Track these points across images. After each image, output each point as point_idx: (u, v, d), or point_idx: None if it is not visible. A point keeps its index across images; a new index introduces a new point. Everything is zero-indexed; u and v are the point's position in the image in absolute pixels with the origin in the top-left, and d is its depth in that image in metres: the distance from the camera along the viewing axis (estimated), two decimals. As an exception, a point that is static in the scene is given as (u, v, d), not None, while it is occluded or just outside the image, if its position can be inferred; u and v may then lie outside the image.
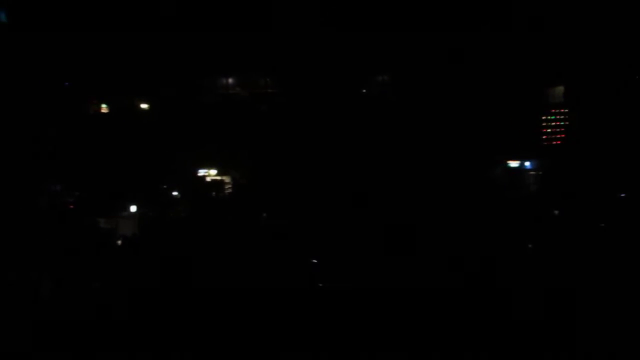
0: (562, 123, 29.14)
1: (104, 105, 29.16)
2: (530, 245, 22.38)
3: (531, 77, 28.05)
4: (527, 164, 28.74)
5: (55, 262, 20.26)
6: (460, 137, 27.44)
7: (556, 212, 25.42)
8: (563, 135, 29.01)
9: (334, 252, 21.08)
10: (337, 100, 28.45)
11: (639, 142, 26.18)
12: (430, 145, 27.14)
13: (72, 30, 25.98)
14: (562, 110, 29.03)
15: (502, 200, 25.95)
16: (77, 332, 15.94)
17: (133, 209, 26.53)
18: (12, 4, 25.10)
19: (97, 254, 22.19)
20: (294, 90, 29.02)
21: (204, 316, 16.74)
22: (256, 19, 27.47)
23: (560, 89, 29.05)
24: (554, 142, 29.08)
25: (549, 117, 29.11)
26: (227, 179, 29.30)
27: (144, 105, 29.46)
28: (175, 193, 28.30)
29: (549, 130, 29.14)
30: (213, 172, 29.39)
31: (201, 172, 29.27)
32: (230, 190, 29.20)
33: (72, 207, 25.88)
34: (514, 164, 28.68)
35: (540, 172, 28.57)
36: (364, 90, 29.71)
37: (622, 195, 25.37)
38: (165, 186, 28.12)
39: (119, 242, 24.72)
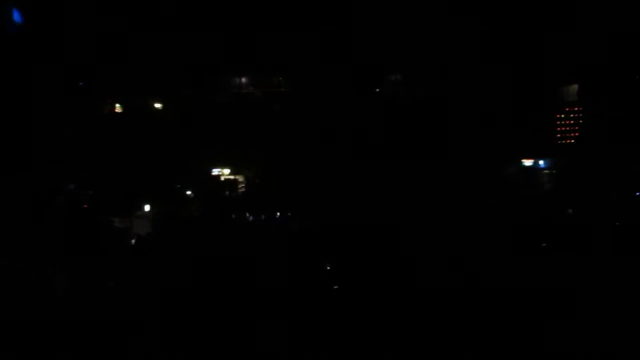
0: (576, 121, 29.02)
1: (117, 105, 29.23)
2: (544, 244, 22.32)
3: (545, 75, 27.93)
4: (541, 162, 28.68)
5: (70, 260, 20.34)
6: (473, 136, 27.37)
7: (570, 210, 25.36)
8: (577, 134, 28.89)
9: (349, 254, 21.04)
10: (351, 99, 28.43)
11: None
12: (444, 144, 27.08)
13: (86, 30, 26.08)
14: (576, 109, 28.91)
15: (516, 199, 25.93)
16: (91, 331, 16.00)
17: (147, 208, 26.63)
18: (26, 4, 25.19)
19: (111, 253, 22.27)
20: (307, 89, 29.02)
21: (216, 316, 16.75)
22: (269, 17, 27.52)
23: (575, 87, 28.94)
24: (568, 141, 28.97)
25: (563, 116, 29.00)
26: (240, 178, 29.38)
27: (157, 105, 29.53)
28: (188, 192, 28.40)
29: (563, 128, 29.03)
30: (226, 171, 29.48)
31: (215, 172, 29.36)
32: (243, 190, 29.28)
33: (86, 206, 25.98)
34: (528, 162, 28.62)
35: (554, 171, 28.50)
36: (377, 90, 29.68)
37: (638, 194, 25.27)
38: (178, 185, 28.22)
39: (133, 241, 24.80)
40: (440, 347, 14.96)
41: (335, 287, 19.39)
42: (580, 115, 28.79)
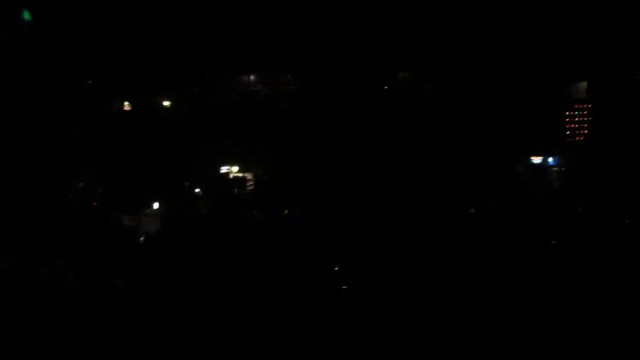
0: (586, 119, 28.90)
1: (126, 103, 29.27)
2: (553, 242, 22.28)
3: (554, 72, 27.84)
4: (550, 160, 28.59)
5: (79, 258, 20.40)
6: (482, 133, 27.31)
7: (579, 208, 25.30)
8: (586, 131, 28.79)
9: (359, 252, 20.99)
10: (359, 96, 28.38)
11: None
12: (452, 141, 27.02)
13: (95, 29, 26.12)
14: (586, 106, 28.81)
15: (525, 196, 25.89)
16: (98, 328, 16.05)
17: (156, 206, 26.68)
18: (35, 3, 25.25)
19: (120, 251, 22.34)
20: (315, 86, 28.99)
21: (223, 315, 16.74)
22: (277, 15, 27.51)
23: (584, 85, 28.84)
24: (577, 138, 28.87)
25: (572, 113, 28.90)
26: (249, 175, 29.38)
27: (166, 103, 29.55)
28: (197, 190, 28.43)
29: (572, 126, 28.92)
30: (235, 169, 29.48)
31: (223, 169, 29.36)
32: (252, 187, 29.27)
33: (95, 204, 26.04)
34: (536, 160, 28.54)
35: (564, 168, 28.41)
36: (386, 87, 29.63)
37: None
38: (187, 183, 28.25)
39: (142, 239, 24.85)
40: (452, 348, 14.96)
41: (343, 287, 19.37)
42: (590, 112, 28.66)
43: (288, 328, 15.99)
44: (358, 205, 24.88)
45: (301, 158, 27.82)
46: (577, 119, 28.86)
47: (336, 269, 20.63)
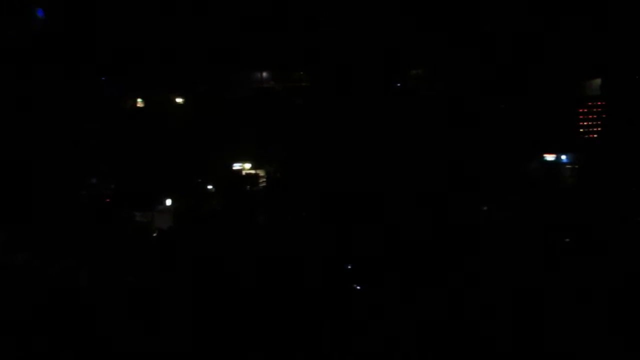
0: (599, 116, 28.76)
1: (139, 100, 29.38)
2: (567, 240, 22.23)
3: (568, 69, 27.71)
4: (563, 157, 28.49)
5: (92, 254, 20.52)
6: (495, 131, 27.24)
7: (592, 205, 25.18)
8: (600, 129, 28.65)
9: (371, 252, 20.96)
10: (372, 94, 28.35)
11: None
12: (466, 139, 26.95)
13: (108, 26, 26.23)
14: (599, 103, 28.66)
15: (538, 193, 25.80)
16: (109, 324, 16.15)
17: (169, 202, 26.78)
18: (49, 1, 25.40)
19: (132, 247, 22.43)
20: (328, 83, 28.98)
21: (234, 313, 16.78)
22: (291, 13, 27.54)
23: (597, 82, 28.70)
24: (591, 136, 28.74)
25: (585, 110, 28.76)
26: (261, 172, 29.43)
27: (179, 100, 29.66)
28: (210, 187, 28.51)
29: (585, 123, 28.79)
30: (247, 165, 29.54)
31: (236, 166, 29.44)
32: (264, 184, 29.30)
33: (108, 200, 26.17)
34: (550, 157, 28.44)
35: (577, 166, 28.30)
36: (399, 85, 29.58)
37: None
38: (200, 180, 28.34)
39: (155, 235, 24.97)
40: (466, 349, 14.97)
41: (357, 287, 19.35)
42: (603, 109, 28.52)
43: (300, 327, 16.05)
44: (371, 202, 24.85)
45: (314, 155, 27.81)
46: (590, 116, 28.71)
47: (349, 267, 20.63)
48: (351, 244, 21.55)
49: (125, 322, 16.51)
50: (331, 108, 28.59)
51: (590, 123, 28.71)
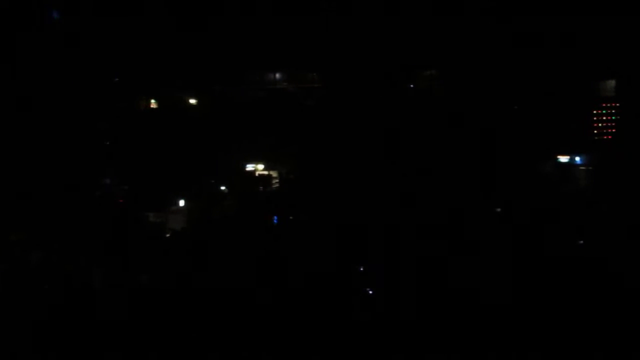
0: (613, 117, 28.64)
1: (152, 101, 29.44)
2: (581, 242, 22.14)
3: (582, 70, 27.61)
4: (577, 158, 28.37)
5: (106, 254, 20.59)
6: (509, 132, 27.16)
7: (606, 207, 25.08)
8: (614, 130, 28.53)
9: (385, 254, 20.89)
10: (384, 94, 28.32)
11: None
12: (479, 140, 26.88)
13: (121, 27, 26.30)
14: (614, 105, 28.54)
15: (552, 195, 25.71)
16: (123, 325, 16.17)
17: (182, 203, 26.82)
18: (63, 1, 25.48)
19: (146, 247, 22.48)
20: (341, 84, 28.96)
21: (244, 316, 16.76)
22: (302, 13, 27.55)
23: (612, 83, 28.59)
24: (605, 137, 28.62)
25: (600, 112, 28.64)
26: (274, 173, 29.43)
27: (192, 101, 29.70)
28: (222, 187, 28.53)
29: (599, 124, 28.67)
30: (260, 166, 29.56)
31: (249, 167, 29.46)
32: (277, 185, 29.31)
33: (121, 201, 26.23)
34: (563, 158, 28.33)
35: (591, 167, 28.19)
36: (412, 85, 29.54)
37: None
38: (213, 181, 28.37)
39: (168, 235, 25.02)
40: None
41: (369, 290, 19.26)
42: (618, 111, 28.39)
43: (312, 332, 16.02)
44: (383, 204, 24.81)
45: (326, 156, 27.79)
46: (604, 117, 28.58)
47: (361, 269, 20.55)
48: (365, 246, 21.50)
49: (138, 320, 16.55)
50: (344, 109, 28.55)
51: (604, 124, 28.58)
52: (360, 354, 15.41)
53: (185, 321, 16.66)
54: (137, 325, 16.35)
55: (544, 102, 27.42)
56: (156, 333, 16.04)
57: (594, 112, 28.64)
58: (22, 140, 23.21)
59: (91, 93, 25.96)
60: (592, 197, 26.06)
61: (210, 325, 16.45)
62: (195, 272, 19.69)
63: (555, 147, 28.10)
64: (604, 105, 28.65)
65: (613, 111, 28.57)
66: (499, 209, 25.38)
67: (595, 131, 28.67)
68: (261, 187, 28.99)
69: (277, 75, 30.59)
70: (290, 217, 26.13)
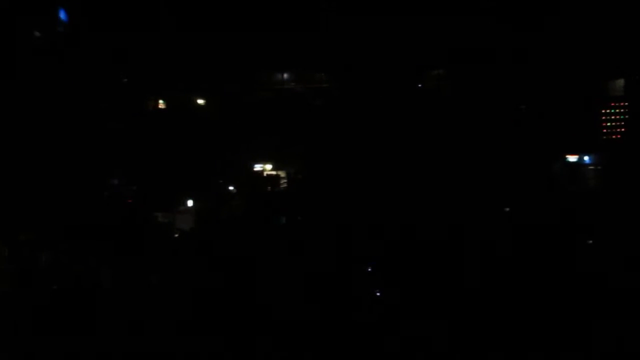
0: (622, 117, 28.54)
1: (161, 101, 29.50)
2: (590, 241, 22.08)
3: (591, 70, 27.53)
4: (586, 158, 28.29)
5: (115, 255, 20.64)
6: (517, 131, 27.12)
7: (615, 207, 25.00)
8: (623, 130, 28.43)
9: (393, 255, 20.87)
10: (392, 94, 28.30)
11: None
12: (487, 139, 26.84)
13: (130, 29, 26.36)
14: (623, 104, 28.44)
15: (562, 195, 25.66)
16: (131, 325, 16.21)
17: (190, 203, 26.87)
18: (71, 3, 25.54)
19: (154, 248, 22.53)
20: (349, 84, 28.97)
21: (251, 318, 16.76)
22: (311, 14, 27.57)
23: (621, 82, 28.50)
24: (614, 137, 28.52)
25: (608, 111, 28.55)
26: (282, 174, 29.46)
27: (200, 101, 29.75)
28: (231, 188, 28.58)
29: (608, 124, 28.57)
30: (268, 167, 29.59)
31: (257, 167, 29.50)
32: (285, 185, 29.34)
33: (130, 201, 26.30)
34: (572, 158, 28.25)
35: (600, 167, 28.11)
36: (420, 85, 29.52)
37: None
38: (221, 181, 28.42)
39: (176, 235, 25.08)
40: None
41: (377, 292, 19.21)
42: (627, 110, 28.30)
43: (321, 334, 16.01)
44: (391, 203, 24.80)
45: (334, 156, 27.80)
46: (613, 117, 28.49)
47: (369, 269, 20.51)
48: (374, 247, 21.48)
49: (146, 320, 16.58)
50: (352, 109, 28.56)
51: (613, 124, 28.49)
52: (364, 354, 15.41)
53: (193, 321, 16.68)
54: (146, 325, 16.39)
55: (552, 101, 27.35)
56: (165, 333, 16.07)
57: (603, 111, 28.54)
58: (30, 141, 23.26)
59: (100, 93, 25.99)
60: (601, 197, 25.98)
61: (218, 325, 16.45)
62: (204, 272, 19.71)
63: (564, 146, 28.02)
64: (612, 104, 28.54)
65: (622, 110, 28.47)
66: (507, 209, 25.34)
67: (604, 130, 28.58)
68: (269, 187, 29.03)
69: (285, 76, 30.61)
70: (299, 218, 26.10)
